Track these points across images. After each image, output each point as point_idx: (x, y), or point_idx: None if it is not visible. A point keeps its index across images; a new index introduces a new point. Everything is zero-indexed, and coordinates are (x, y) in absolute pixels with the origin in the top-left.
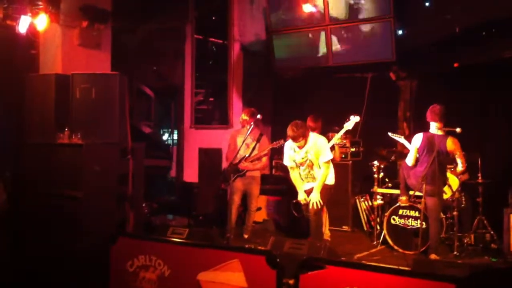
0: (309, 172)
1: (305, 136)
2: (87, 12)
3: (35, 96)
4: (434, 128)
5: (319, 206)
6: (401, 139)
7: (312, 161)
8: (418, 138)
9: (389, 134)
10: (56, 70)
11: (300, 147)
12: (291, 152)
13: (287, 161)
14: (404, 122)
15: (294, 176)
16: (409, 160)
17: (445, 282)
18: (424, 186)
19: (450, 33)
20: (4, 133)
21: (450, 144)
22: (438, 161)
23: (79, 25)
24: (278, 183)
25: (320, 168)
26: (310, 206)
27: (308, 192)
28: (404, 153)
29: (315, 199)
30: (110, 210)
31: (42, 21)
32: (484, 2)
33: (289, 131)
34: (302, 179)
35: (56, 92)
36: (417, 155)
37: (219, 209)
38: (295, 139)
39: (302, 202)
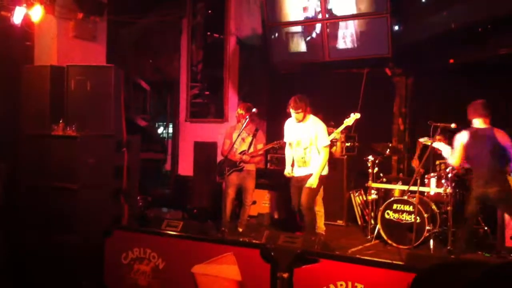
0: (303, 155)
1: (305, 111)
2: (83, 4)
3: (30, 87)
4: (479, 124)
5: (312, 196)
6: (438, 144)
7: (309, 141)
8: (463, 134)
9: (420, 139)
10: (51, 62)
11: (298, 120)
12: (287, 129)
13: (286, 137)
14: (399, 118)
15: (288, 152)
16: (453, 158)
17: None
18: (487, 189)
19: (447, 29)
20: None
21: (501, 135)
22: (494, 155)
23: (74, 17)
24: (273, 177)
25: (314, 152)
26: (306, 189)
27: (300, 179)
28: (398, 148)
29: (313, 183)
30: (105, 203)
31: (37, 13)
32: None
33: (291, 101)
34: (296, 163)
35: (51, 84)
36: (464, 153)
37: (213, 202)
38: (295, 108)
39: (287, 175)
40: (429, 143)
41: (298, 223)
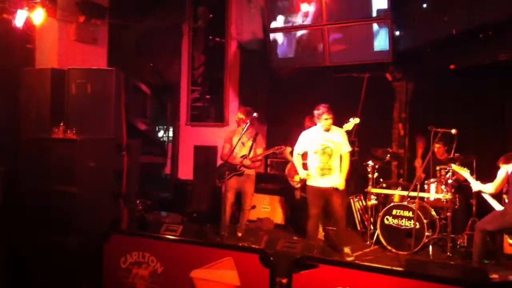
0: (327, 162)
1: (332, 120)
2: (84, 7)
3: (30, 90)
4: None
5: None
6: (465, 173)
7: (332, 149)
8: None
9: (453, 166)
10: (52, 65)
11: (326, 128)
12: (309, 139)
13: (300, 148)
14: (399, 123)
15: (298, 159)
16: (494, 185)
17: (437, 283)
18: None
19: (447, 35)
20: None
21: None
22: None
23: (76, 20)
24: (273, 181)
25: (337, 159)
26: (338, 199)
27: (324, 189)
28: (398, 153)
29: (341, 185)
30: (104, 206)
31: (38, 15)
32: (481, 4)
33: (324, 109)
34: (317, 172)
35: (52, 87)
36: (506, 183)
37: (213, 206)
38: (329, 115)
39: (305, 177)
40: (464, 171)
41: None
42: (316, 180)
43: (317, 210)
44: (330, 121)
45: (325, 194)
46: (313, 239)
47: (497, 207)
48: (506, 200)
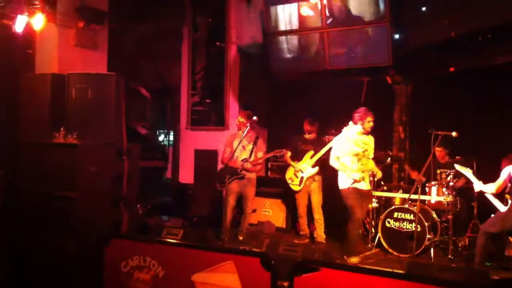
0: (365, 163)
1: None
2: (84, 12)
3: (30, 95)
4: None
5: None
6: (468, 173)
7: (369, 153)
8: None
9: (456, 166)
10: (52, 70)
11: (367, 131)
12: (351, 142)
13: (338, 151)
14: (399, 126)
15: (338, 163)
16: (495, 185)
17: (439, 286)
18: None
19: (446, 38)
20: None
21: None
22: None
23: (75, 25)
24: (274, 185)
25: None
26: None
27: (365, 192)
28: (399, 156)
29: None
30: (105, 210)
31: (38, 21)
32: (480, 8)
33: (369, 111)
34: (357, 174)
35: (52, 92)
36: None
37: (214, 210)
38: (371, 120)
39: (359, 180)
40: (467, 171)
41: (298, 231)
42: (359, 183)
43: (362, 213)
44: (369, 125)
45: (366, 195)
46: (359, 244)
47: (500, 207)
48: (510, 201)
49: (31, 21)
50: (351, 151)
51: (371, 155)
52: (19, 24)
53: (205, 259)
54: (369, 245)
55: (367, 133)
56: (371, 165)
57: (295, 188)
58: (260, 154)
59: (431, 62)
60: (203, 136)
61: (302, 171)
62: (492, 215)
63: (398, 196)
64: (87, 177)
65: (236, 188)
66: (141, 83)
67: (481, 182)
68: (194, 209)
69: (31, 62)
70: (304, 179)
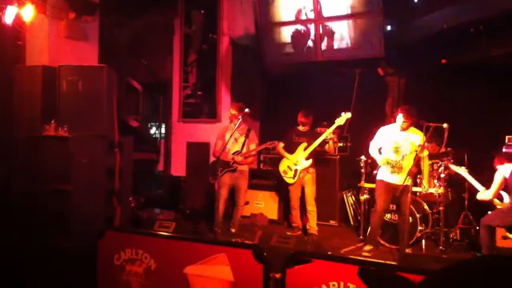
0: (401, 162)
1: (411, 122)
2: (74, 3)
3: (21, 88)
4: None
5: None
6: (464, 173)
7: (410, 149)
8: (506, 167)
9: (451, 166)
10: (43, 62)
11: (402, 128)
12: (386, 135)
13: (379, 142)
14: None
15: (376, 153)
16: (492, 190)
17: None
18: None
19: (439, 30)
20: None
21: None
22: None
23: (66, 16)
24: (266, 177)
25: (410, 160)
26: (408, 198)
27: (395, 186)
28: None
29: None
30: (98, 203)
31: (28, 12)
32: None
33: (400, 109)
34: (386, 167)
35: (43, 84)
36: (504, 186)
37: (206, 203)
38: (406, 118)
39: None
40: (463, 171)
41: (290, 223)
42: (387, 176)
43: (386, 206)
44: (405, 124)
45: (396, 190)
46: (377, 234)
47: (478, 186)
48: (509, 198)
49: (20, 13)
50: (386, 143)
51: (409, 152)
52: (9, 15)
53: (198, 252)
54: (361, 237)
55: (403, 129)
56: (395, 160)
57: (289, 180)
58: (252, 146)
59: (424, 54)
60: (195, 129)
61: (296, 163)
62: (490, 212)
63: None
64: (79, 169)
65: (228, 180)
66: (133, 76)
67: (479, 185)
68: (187, 202)
69: (21, 54)
70: (298, 171)
